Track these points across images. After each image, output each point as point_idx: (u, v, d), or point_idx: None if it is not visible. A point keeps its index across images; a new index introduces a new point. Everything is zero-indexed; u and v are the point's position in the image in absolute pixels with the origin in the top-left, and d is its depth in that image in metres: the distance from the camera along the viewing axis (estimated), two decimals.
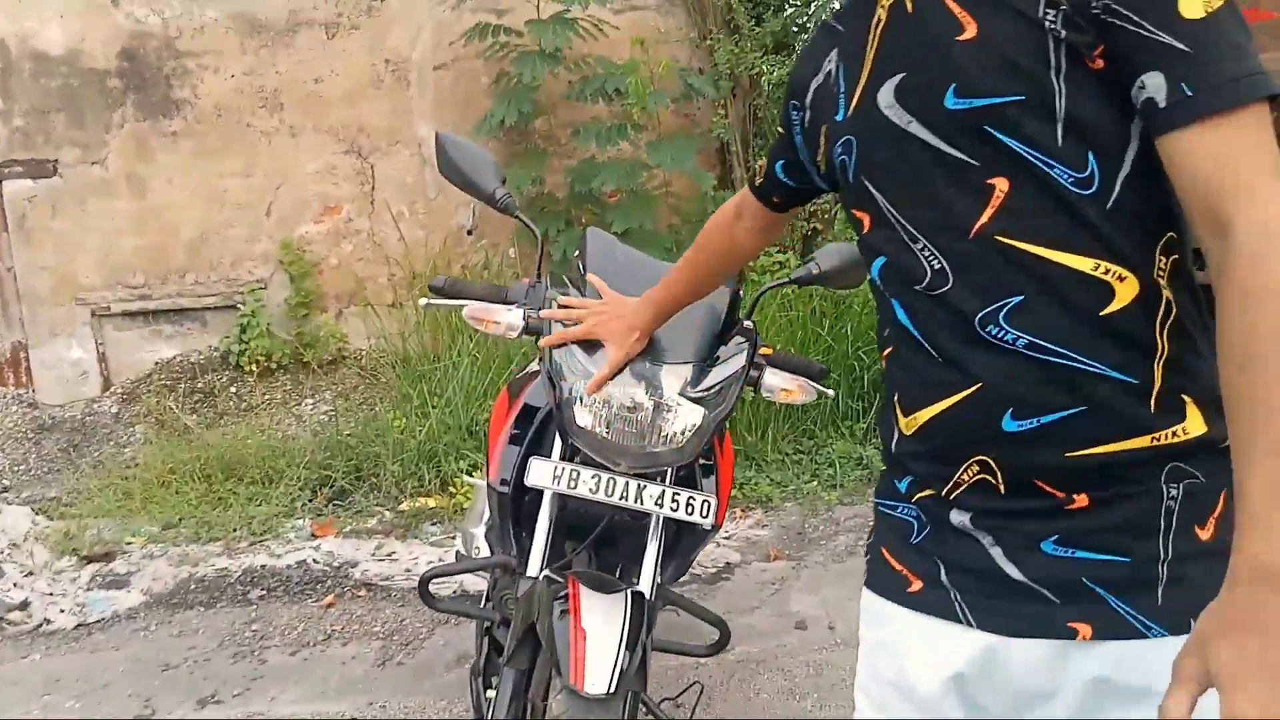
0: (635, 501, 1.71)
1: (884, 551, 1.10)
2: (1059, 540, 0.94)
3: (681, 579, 2.03)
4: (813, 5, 6.46)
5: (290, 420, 5.43)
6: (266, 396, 5.71)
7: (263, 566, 3.74)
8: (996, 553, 0.97)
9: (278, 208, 5.93)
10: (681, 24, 6.32)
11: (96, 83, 5.63)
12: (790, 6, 6.05)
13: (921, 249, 0.98)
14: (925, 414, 1.00)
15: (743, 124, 6.19)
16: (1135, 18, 0.82)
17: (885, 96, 0.99)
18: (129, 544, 4.03)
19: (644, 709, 2.01)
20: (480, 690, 1.92)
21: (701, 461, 1.87)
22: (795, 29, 6.02)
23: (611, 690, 1.41)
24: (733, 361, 1.76)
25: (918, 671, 1.03)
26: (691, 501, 1.73)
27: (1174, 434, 0.90)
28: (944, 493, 1.00)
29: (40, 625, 3.42)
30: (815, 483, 4.16)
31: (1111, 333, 0.90)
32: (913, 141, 0.97)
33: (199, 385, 5.76)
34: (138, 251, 5.76)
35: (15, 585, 3.70)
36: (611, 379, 1.60)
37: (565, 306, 1.73)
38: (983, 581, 0.98)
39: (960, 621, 0.99)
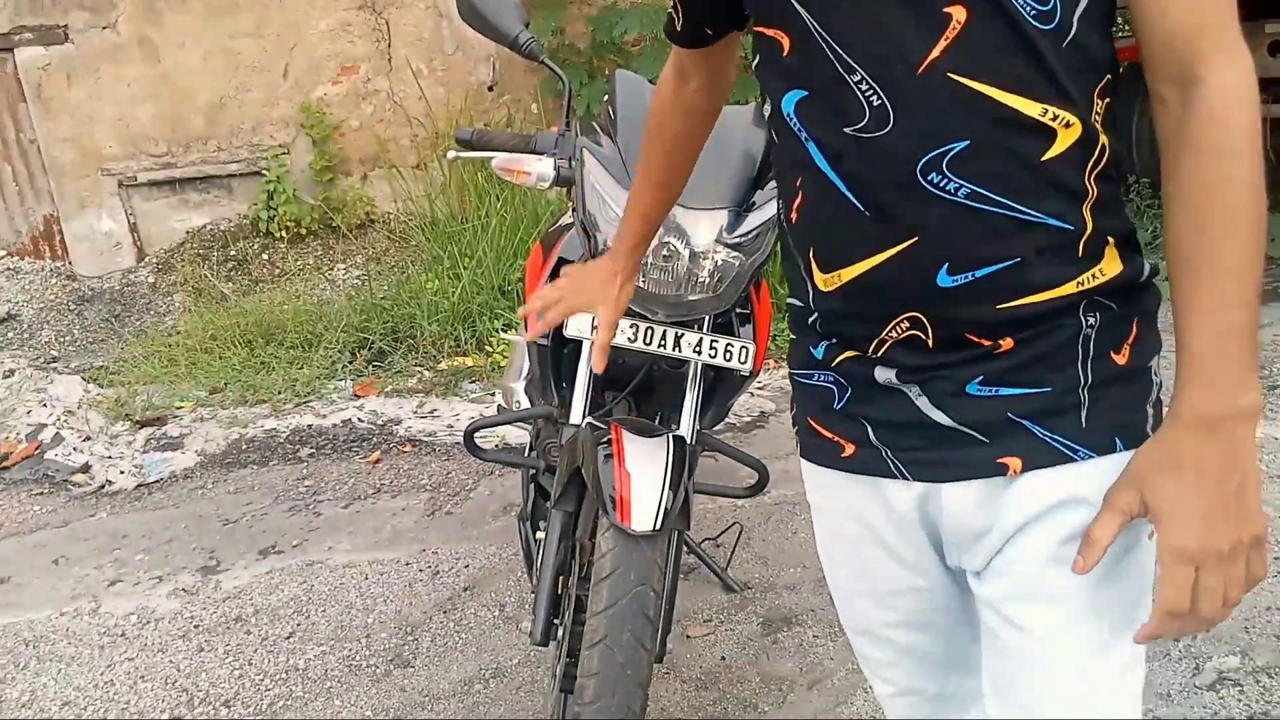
0: (674, 349, 1.72)
1: (811, 421, 1.04)
2: (983, 381, 0.90)
3: (718, 427, 2.07)
4: None
5: (324, 285, 5.47)
6: (298, 262, 5.75)
7: (309, 426, 3.86)
8: (923, 403, 0.93)
9: (293, 69, 5.80)
10: None
11: None
12: None
13: (859, 82, 0.84)
14: (851, 271, 0.90)
15: None
16: None
17: None
18: (179, 408, 4.15)
19: (686, 548, 2.10)
20: (529, 533, 2.01)
21: (738, 310, 1.87)
22: None
23: (657, 527, 1.47)
24: (769, 207, 1.73)
25: (879, 523, 1.02)
26: (730, 348, 1.74)
27: (1094, 275, 0.88)
28: (869, 351, 0.94)
29: (103, 486, 3.57)
30: None
31: (1049, 179, 0.84)
32: None
33: (231, 253, 5.80)
34: (157, 119, 5.69)
35: (75, 450, 3.85)
36: (612, 339, 1.39)
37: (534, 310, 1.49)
38: (912, 433, 0.94)
39: (897, 477, 0.97)
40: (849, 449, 1.00)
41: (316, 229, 5.84)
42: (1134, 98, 5.36)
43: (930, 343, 0.90)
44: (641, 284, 1.64)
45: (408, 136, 6.01)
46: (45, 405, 4.24)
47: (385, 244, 5.82)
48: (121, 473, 3.63)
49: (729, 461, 1.89)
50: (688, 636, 2.26)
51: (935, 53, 0.81)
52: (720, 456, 1.94)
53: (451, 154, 1.94)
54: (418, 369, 4.35)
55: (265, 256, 5.79)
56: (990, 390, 0.90)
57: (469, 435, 1.89)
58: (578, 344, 1.80)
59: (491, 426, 2.38)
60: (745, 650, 2.25)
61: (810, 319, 0.99)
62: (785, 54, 0.89)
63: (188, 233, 5.91)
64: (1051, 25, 0.80)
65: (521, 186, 1.84)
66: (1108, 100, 0.86)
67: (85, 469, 3.68)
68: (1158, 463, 0.82)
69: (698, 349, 1.72)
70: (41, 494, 3.52)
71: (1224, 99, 0.78)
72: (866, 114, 0.84)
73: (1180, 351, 0.81)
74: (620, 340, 1.70)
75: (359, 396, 4.13)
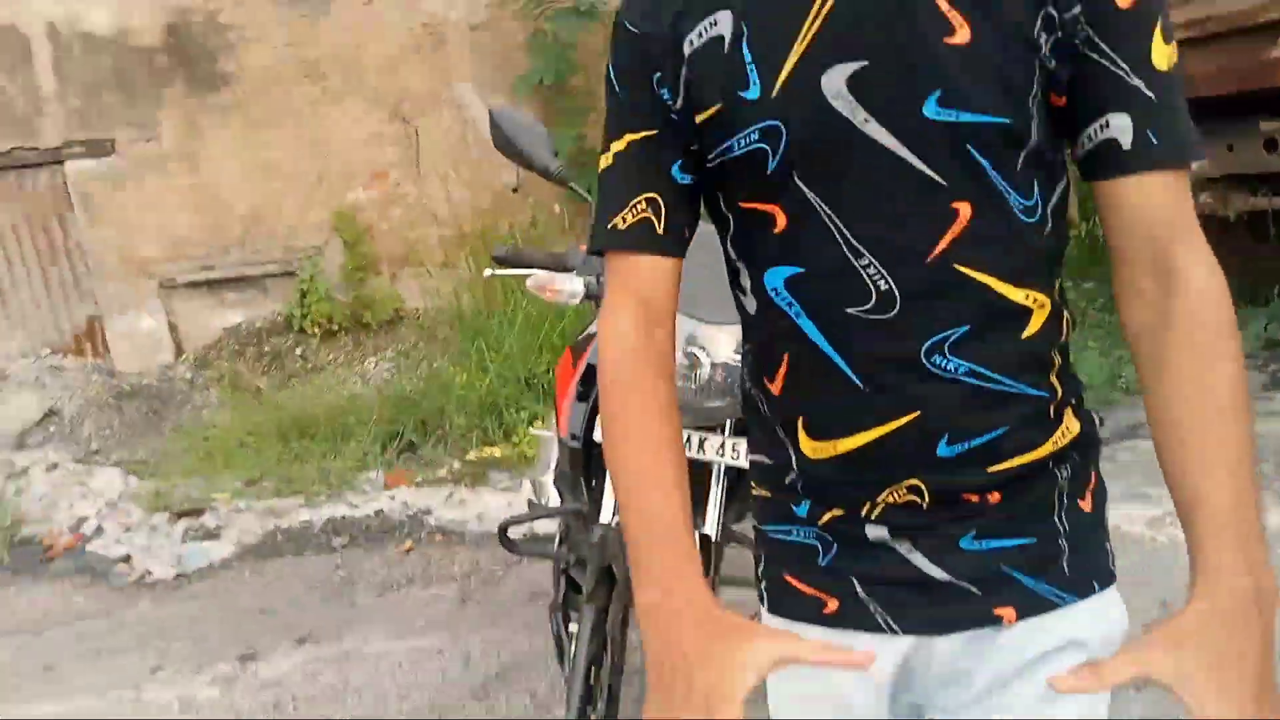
0: (698, 452, 1.85)
1: (787, 578, 1.01)
2: (976, 535, 0.94)
3: (742, 521, 2.18)
4: None
5: (355, 379, 5.66)
6: (330, 357, 5.96)
7: (343, 517, 3.99)
8: (917, 558, 0.94)
9: (327, 176, 6.11)
10: None
11: (145, 61, 5.81)
12: None
13: (867, 266, 0.87)
14: (849, 442, 0.92)
15: None
16: (1113, 55, 0.83)
17: (833, 83, 0.84)
18: (215, 500, 4.29)
19: None
20: (560, 625, 2.10)
21: None
22: None
23: None
24: None
25: (848, 688, 0.99)
26: None
27: (1063, 433, 0.94)
28: (862, 513, 0.95)
29: (143, 576, 3.69)
30: None
31: (1028, 354, 0.91)
32: (870, 145, 0.85)
33: (265, 349, 6.02)
34: (197, 225, 5.98)
35: (116, 541, 3.99)
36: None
37: None
38: (904, 588, 0.95)
39: (884, 631, 0.96)
40: (832, 605, 0.98)
41: (348, 325, 6.06)
42: None
43: (925, 504, 0.93)
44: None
45: (435, 236, 6.28)
46: (87, 498, 4.40)
47: (414, 339, 6.02)
48: (161, 563, 3.76)
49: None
50: None
51: (943, 244, 0.86)
52: (747, 548, 2.05)
53: (488, 271, 2.10)
54: (447, 460, 4.50)
55: (298, 352, 6.00)
56: (983, 544, 0.94)
57: (503, 530, 2.01)
58: None
59: (523, 522, 2.50)
60: None
61: (789, 478, 0.99)
62: (778, 230, 0.90)
63: (224, 330, 6.15)
64: (1035, 219, 0.88)
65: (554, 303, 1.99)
66: (1060, 279, 0.94)
67: (126, 559, 3.81)
68: (1199, 637, 0.78)
69: (720, 451, 1.86)
70: (85, 585, 3.65)
71: (1206, 297, 0.84)
72: (873, 298, 0.87)
73: (1210, 532, 0.80)
74: None
75: (390, 487, 4.26)
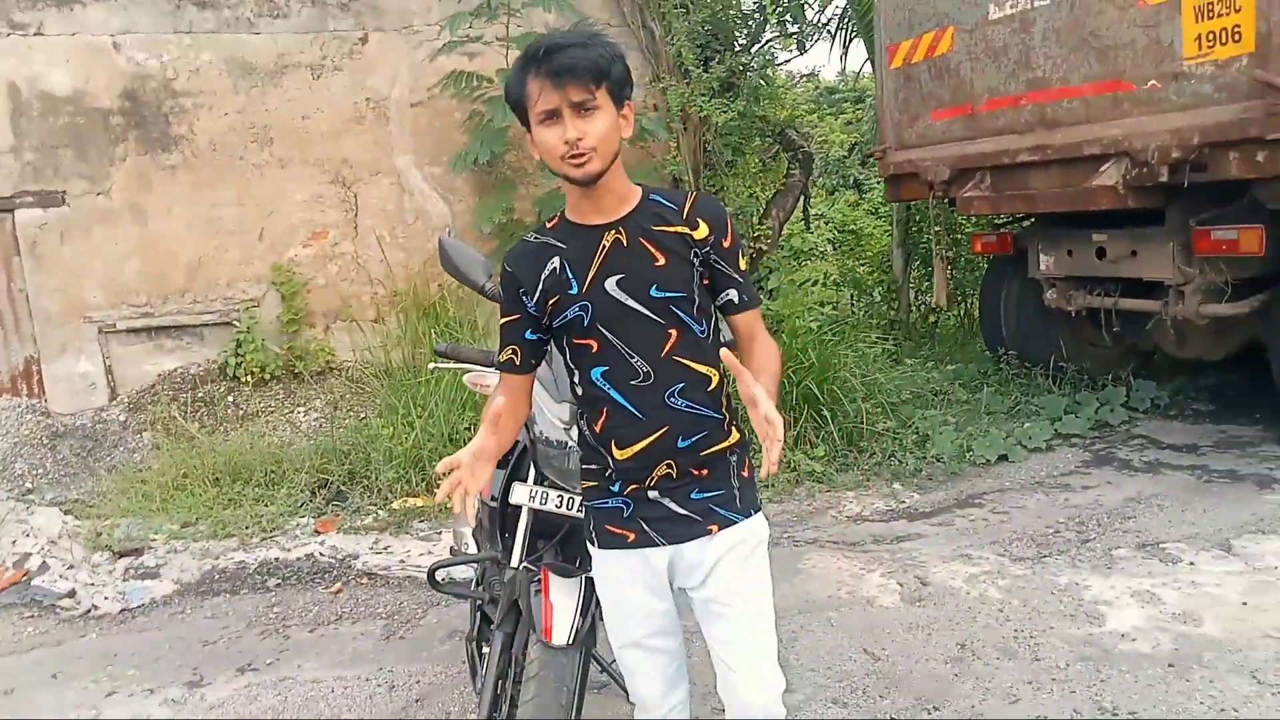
0: (570, 509, 2.33)
1: (607, 527, 1.92)
2: (698, 491, 1.87)
3: None
4: (753, 50, 7.15)
5: (286, 427, 6.02)
6: (262, 405, 6.30)
7: (276, 559, 4.36)
8: (671, 504, 1.87)
9: (269, 233, 6.51)
10: (637, 65, 6.96)
11: (101, 120, 6.17)
12: (733, 54, 6.67)
13: (636, 362, 1.82)
14: (636, 447, 1.84)
15: (694, 156, 6.86)
16: (724, 264, 1.85)
17: (610, 285, 1.81)
18: (153, 540, 4.61)
19: (599, 667, 2.68)
20: (475, 652, 2.56)
21: None
22: (739, 71, 6.66)
23: (570, 642, 2.08)
24: None
25: (645, 573, 1.92)
26: None
27: (730, 437, 1.90)
28: (645, 483, 1.87)
29: (89, 610, 4.02)
30: None
31: (714, 395, 1.87)
32: (628, 309, 1.81)
33: (199, 395, 6.33)
34: (140, 274, 6.31)
35: (61, 577, 4.30)
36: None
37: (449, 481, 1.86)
38: (665, 522, 1.88)
39: (657, 545, 1.89)
40: (631, 536, 1.90)
41: (280, 375, 6.42)
42: (1001, 283, 6.34)
43: (674, 474, 1.86)
44: (566, 467, 2.29)
45: (368, 294, 6.71)
46: (29, 535, 4.67)
47: (344, 390, 6.40)
48: (106, 598, 4.09)
49: None
50: None
51: (667, 347, 1.83)
52: None
53: (432, 365, 2.59)
54: (373, 508, 4.90)
55: (231, 399, 6.33)
56: (701, 494, 1.88)
57: (431, 572, 2.46)
58: (519, 506, 2.43)
59: (449, 567, 2.94)
60: None
61: (608, 473, 1.90)
62: (594, 351, 1.84)
63: (159, 375, 6.44)
64: (705, 335, 1.86)
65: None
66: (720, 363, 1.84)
67: (71, 594, 4.13)
68: (767, 396, 1.69)
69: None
70: (32, 617, 3.96)
71: (770, 345, 1.91)
72: (640, 375, 1.83)
73: (758, 387, 1.67)
74: (549, 506, 2.34)
75: (320, 532, 4.65)
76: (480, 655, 2.49)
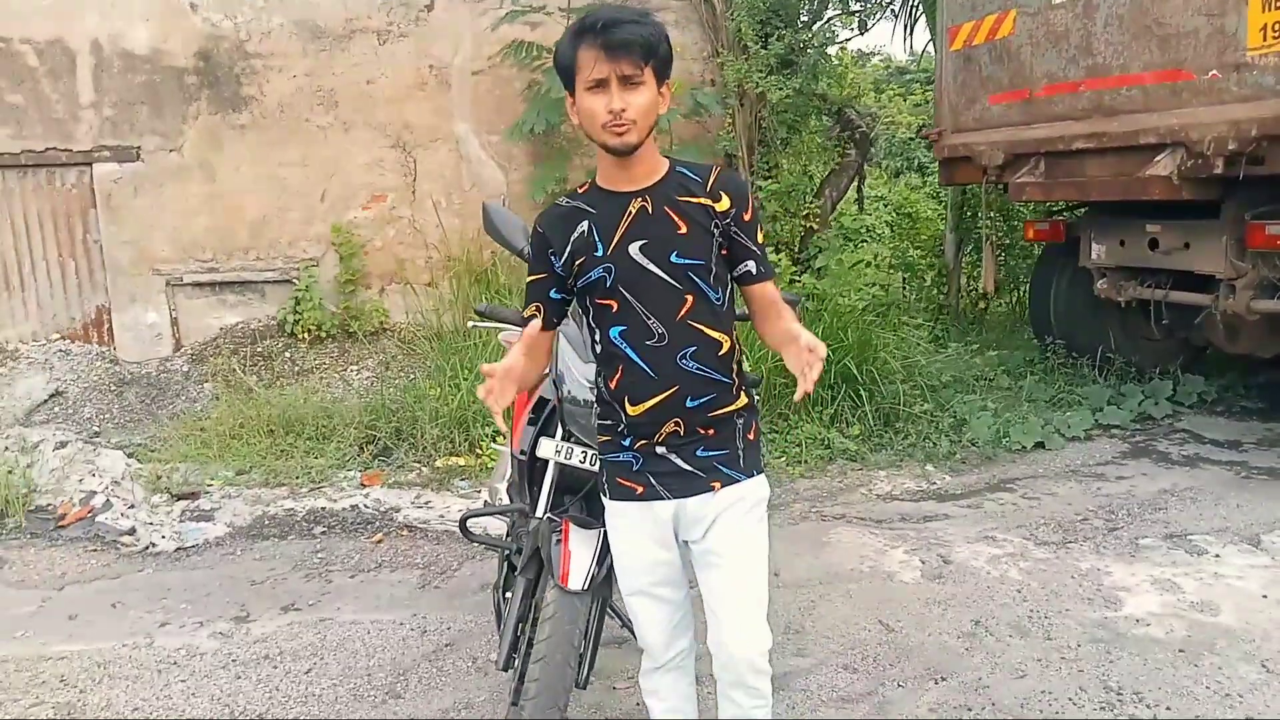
0: (591, 464, 2.43)
1: (618, 479, 2.03)
2: (704, 449, 1.98)
3: None
4: (814, 27, 7.12)
5: (339, 384, 6.24)
6: (317, 362, 6.53)
7: (322, 508, 4.56)
8: (678, 460, 1.98)
9: (330, 195, 6.71)
10: (697, 39, 7.00)
11: (176, 79, 6.40)
12: (794, 31, 6.66)
13: (652, 323, 1.93)
14: (648, 404, 1.95)
15: (748, 133, 6.88)
16: (744, 236, 1.95)
17: (634, 249, 1.92)
18: (209, 485, 4.85)
19: (619, 621, 2.80)
20: (500, 597, 2.69)
21: None
22: (798, 48, 6.65)
23: (584, 588, 2.19)
24: None
25: (650, 524, 2.02)
26: None
27: (739, 400, 2.00)
28: (654, 439, 1.98)
29: (147, 547, 4.25)
30: (784, 459, 4.93)
31: (724, 360, 1.97)
32: (649, 273, 1.92)
33: (258, 350, 6.59)
34: (208, 230, 6.56)
35: (122, 515, 4.55)
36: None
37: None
38: (672, 476, 1.98)
39: (665, 498, 1.99)
40: (639, 489, 2.01)
41: (335, 333, 6.64)
42: (1052, 271, 6.28)
43: (682, 432, 1.96)
44: (590, 423, 2.39)
45: (423, 258, 6.88)
46: (94, 475, 4.94)
47: (395, 351, 6.61)
48: (163, 537, 4.32)
49: None
50: (614, 688, 2.94)
51: (683, 311, 1.93)
52: None
53: (470, 323, 2.71)
54: (417, 465, 5.07)
55: (288, 355, 6.57)
56: (706, 453, 1.98)
57: (463, 522, 2.60)
58: (545, 460, 2.54)
59: (480, 516, 3.07)
60: None
61: (620, 428, 2.01)
62: (615, 311, 1.95)
63: (221, 329, 6.71)
64: (720, 303, 1.97)
65: None
66: (734, 330, 2.02)
67: (132, 532, 4.37)
68: (807, 334, 1.82)
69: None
70: (95, 551, 4.20)
71: (788, 310, 2.01)
72: (655, 336, 1.93)
73: (793, 332, 1.85)
74: (574, 461, 2.45)
75: (365, 485, 4.84)
76: (505, 602, 2.62)
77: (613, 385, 1.98)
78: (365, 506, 4.59)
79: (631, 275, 1.92)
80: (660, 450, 1.98)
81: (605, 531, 2.36)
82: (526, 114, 6.42)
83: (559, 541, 2.29)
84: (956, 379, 5.67)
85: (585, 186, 2.01)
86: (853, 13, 7.66)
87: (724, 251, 1.95)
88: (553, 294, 2.02)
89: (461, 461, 5.03)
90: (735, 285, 2.02)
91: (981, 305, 7.59)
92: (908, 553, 3.79)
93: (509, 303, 6.27)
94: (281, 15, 6.48)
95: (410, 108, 6.74)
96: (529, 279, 2.04)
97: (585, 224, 1.94)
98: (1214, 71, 4.46)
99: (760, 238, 2.00)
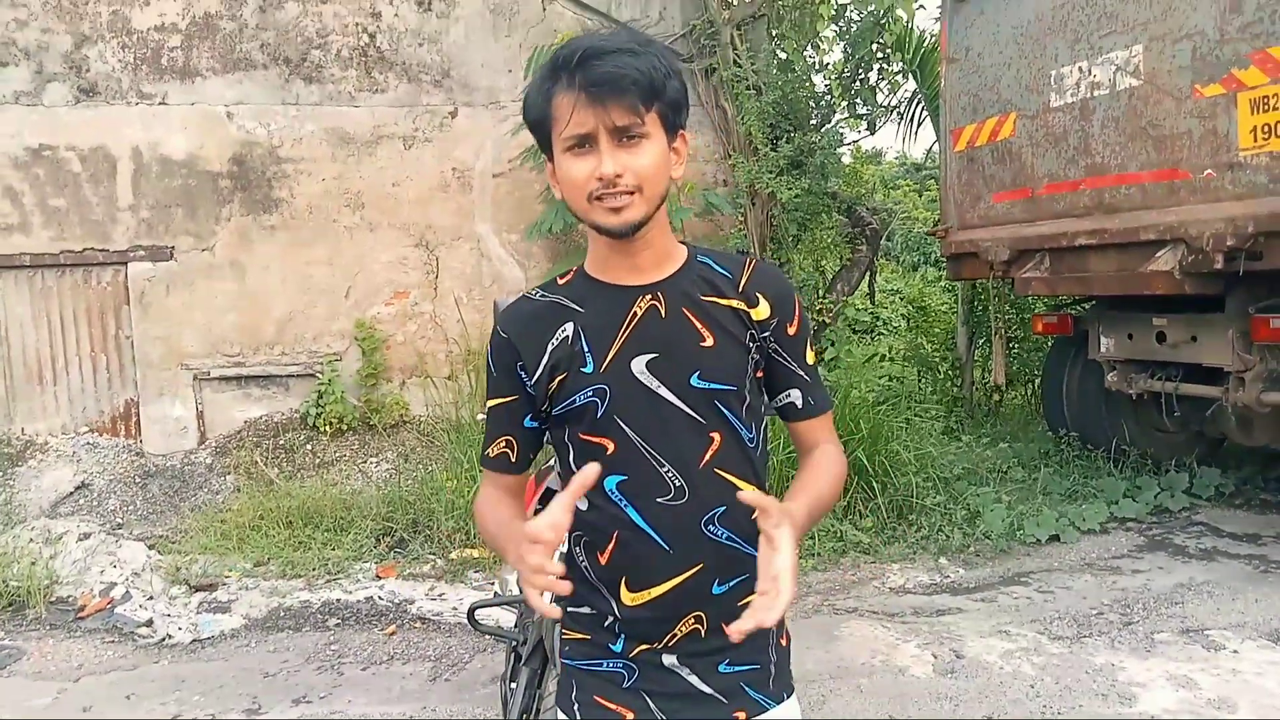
0: None
1: (597, 699, 1.44)
2: (729, 662, 1.43)
3: None
4: (823, 129, 7.37)
5: (358, 476, 6.32)
6: (338, 454, 6.63)
7: (337, 600, 4.60)
8: (692, 678, 1.43)
9: (355, 291, 6.92)
10: (709, 142, 7.26)
11: (210, 183, 6.69)
12: (802, 134, 6.90)
13: (666, 472, 1.38)
14: (657, 590, 1.38)
15: (760, 230, 7.07)
16: (787, 356, 1.46)
17: (638, 365, 1.38)
18: (227, 577, 4.91)
19: None
20: (507, 688, 2.72)
21: None
22: (807, 150, 6.87)
23: None
24: None
25: None
26: None
27: None
28: (662, 642, 1.41)
29: (164, 639, 4.30)
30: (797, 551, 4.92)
31: (756, 526, 1.28)
32: (660, 400, 1.38)
33: (281, 442, 6.70)
34: (236, 325, 6.76)
35: (140, 606, 4.60)
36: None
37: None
38: (679, 699, 1.43)
39: None
40: (629, 716, 1.43)
41: (356, 426, 6.76)
42: (1063, 364, 6.34)
43: (704, 632, 1.40)
44: None
45: (444, 352, 7.04)
46: (115, 566, 5.01)
47: (414, 443, 6.71)
48: (179, 629, 4.36)
49: None
50: None
51: (707, 456, 1.39)
52: None
53: (481, 416, 2.81)
54: (432, 556, 5.12)
55: (309, 447, 6.68)
56: (732, 668, 1.44)
57: (471, 611, 2.65)
58: None
59: (487, 607, 3.11)
60: None
61: (608, 623, 1.43)
62: (610, 453, 1.38)
63: (245, 422, 6.85)
64: (753, 445, 1.45)
65: None
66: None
67: (149, 624, 4.42)
68: (792, 524, 1.28)
69: None
70: (113, 642, 4.25)
71: (836, 453, 1.51)
72: (671, 490, 1.38)
73: (801, 507, 1.36)
74: None
75: (380, 577, 4.88)
76: (511, 693, 2.64)
77: (602, 559, 1.43)
78: (380, 598, 4.63)
79: (635, 403, 1.39)
80: (668, 660, 1.43)
81: None
82: (544, 214, 6.64)
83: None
84: (969, 471, 5.69)
85: (568, 276, 1.47)
86: (860, 116, 7.93)
87: (759, 373, 1.46)
88: (528, 422, 1.48)
89: (475, 554, 5.07)
90: (766, 420, 1.52)
91: (995, 397, 7.63)
92: (920, 647, 3.77)
93: None
94: (313, 123, 6.79)
95: (433, 209, 6.99)
96: (491, 404, 1.50)
97: (569, 327, 1.41)
98: (1209, 170, 4.59)
99: (811, 357, 1.50)
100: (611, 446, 1.39)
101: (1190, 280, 4.70)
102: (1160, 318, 5.29)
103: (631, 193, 1.32)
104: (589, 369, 1.39)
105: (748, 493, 1.28)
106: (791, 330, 1.46)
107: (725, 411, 1.41)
